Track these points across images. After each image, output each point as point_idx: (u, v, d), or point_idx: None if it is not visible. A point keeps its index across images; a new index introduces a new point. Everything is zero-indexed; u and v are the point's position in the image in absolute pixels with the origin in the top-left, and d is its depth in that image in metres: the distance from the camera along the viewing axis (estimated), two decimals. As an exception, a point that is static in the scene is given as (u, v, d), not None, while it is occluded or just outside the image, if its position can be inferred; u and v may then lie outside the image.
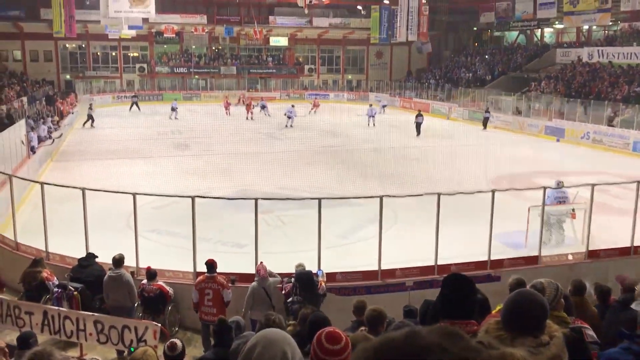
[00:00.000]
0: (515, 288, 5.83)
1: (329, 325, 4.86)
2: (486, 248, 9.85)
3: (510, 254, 10.74)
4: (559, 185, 11.94)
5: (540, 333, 2.40)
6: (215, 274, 8.36)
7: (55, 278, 9.07)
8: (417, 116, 30.58)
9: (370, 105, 35.85)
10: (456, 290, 2.93)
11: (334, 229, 12.05)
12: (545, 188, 10.58)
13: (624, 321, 4.79)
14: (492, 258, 9.92)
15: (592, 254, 10.43)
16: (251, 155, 21.78)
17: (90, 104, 34.21)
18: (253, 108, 37.11)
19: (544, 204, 10.47)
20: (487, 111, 33.74)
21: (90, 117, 32.22)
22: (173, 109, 35.91)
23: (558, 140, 28.40)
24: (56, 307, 7.89)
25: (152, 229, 12.42)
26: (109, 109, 40.64)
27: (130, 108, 39.46)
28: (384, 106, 40.66)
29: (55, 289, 8.65)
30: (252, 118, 36.03)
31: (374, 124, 33.15)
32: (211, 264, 8.39)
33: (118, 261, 8.63)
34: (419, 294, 9.34)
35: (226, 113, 37.93)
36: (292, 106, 33.23)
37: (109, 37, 42.47)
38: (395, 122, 35.54)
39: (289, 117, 31.89)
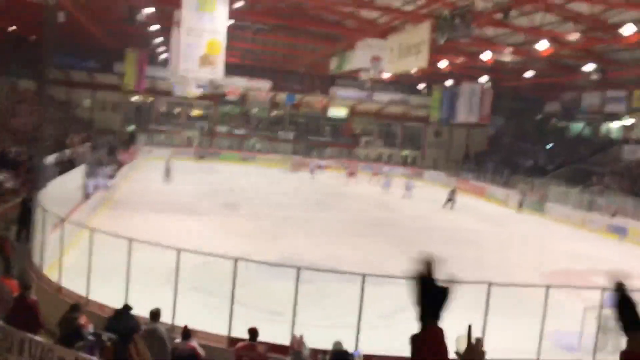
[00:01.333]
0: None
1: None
2: (535, 346, 9.22)
3: (561, 357, 10.03)
4: (620, 287, 11.21)
5: None
6: (257, 343, 8.20)
7: (91, 326, 8.98)
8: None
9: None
10: None
11: (375, 308, 11.61)
12: (604, 289, 9.93)
13: None
14: (542, 358, 9.26)
15: (653, 367, 9.60)
16: (299, 221, 21.71)
17: (169, 158, 34.19)
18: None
19: (601, 306, 9.80)
20: (524, 194, 34.30)
21: (168, 171, 31.93)
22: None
23: (621, 239, 27.14)
24: (88, 356, 7.76)
25: (192, 287, 12.30)
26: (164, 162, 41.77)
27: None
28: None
29: (90, 337, 8.55)
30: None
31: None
32: (254, 332, 8.27)
33: (155, 315, 8.55)
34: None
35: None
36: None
37: (175, 94, 44.26)
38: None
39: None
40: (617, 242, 26.82)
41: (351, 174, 40.49)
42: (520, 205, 33.42)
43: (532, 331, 9.47)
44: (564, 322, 11.26)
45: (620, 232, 27.70)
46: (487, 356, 8.96)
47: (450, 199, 31.75)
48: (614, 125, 45.31)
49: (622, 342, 8.05)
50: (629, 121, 41.14)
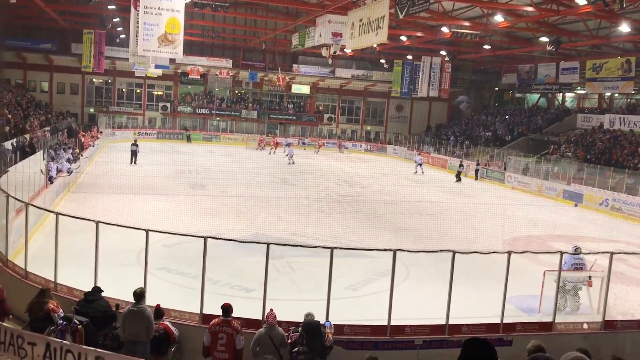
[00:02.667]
0: (534, 353, 5.66)
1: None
2: (499, 310, 9.61)
3: (524, 319, 10.48)
4: (577, 251, 11.72)
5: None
6: (231, 318, 8.21)
7: (61, 310, 8.97)
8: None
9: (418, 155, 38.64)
10: (477, 357, 2.80)
11: (344, 280, 11.89)
12: (562, 253, 10.38)
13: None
14: (505, 321, 9.66)
15: (609, 325, 10.13)
16: (266, 199, 21.81)
17: (135, 140, 33.90)
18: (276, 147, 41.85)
19: (560, 269, 10.25)
20: (477, 164, 36.64)
21: (134, 154, 31.73)
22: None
23: (576, 205, 28.13)
24: (59, 340, 7.76)
25: (162, 267, 12.36)
26: (129, 144, 41.20)
27: (187, 140, 43.87)
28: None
29: (60, 322, 8.55)
30: (273, 153, 40.14)
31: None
32: (227, 308, 8.24)
33: (140, 295, 8.50)
34: (428, 354, 9.11)
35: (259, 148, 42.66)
36: (288, 145, 37.81)
37: (135, 75, 43.51)
38: (411, 175, 35.56)
39: (289, 155, 36.33)
40: (573, 208, 27.80)
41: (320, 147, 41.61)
42: (476, 176, 34.84)
43: (495, 296, 9.85)
44: (525, 286, 11.74)
45: (576, 198, 28.69)
46: (455, 321, 9.32)
47: (460, 171, 34.98)
48: (569, 95, 46.54)
49: (579, 302, 8.53)
50: (582, 91, 42.24)
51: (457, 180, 34.41)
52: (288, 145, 40.87)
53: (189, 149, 39.65)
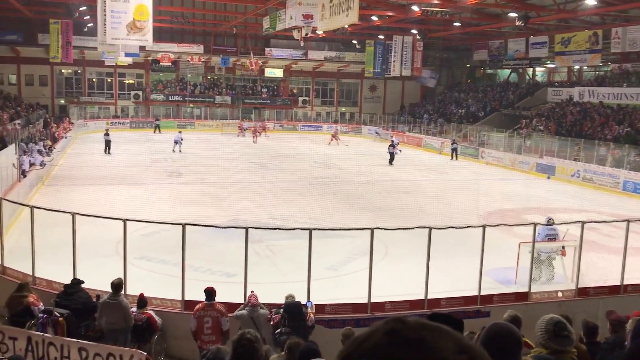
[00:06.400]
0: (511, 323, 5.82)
1: (320, 357, 4.82)
2: (476, 283, 9.84)
3: (500, 290, 10.73)
4: (550, 222, 11.98)
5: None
6: (214, 302, 8.28)
7: (41, 303, 8.94)
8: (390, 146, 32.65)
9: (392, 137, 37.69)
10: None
11: (324, 261, 12.02)
12: (535, 225, 10.62)
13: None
14: (482, 293, 9.90)
15: (582, 292, 10.43)
16: (243, 185, 21.80)
17: (107, 130, 33.52)
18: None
19: (534, 240, 10.48)
20: (453, 142, 36.13)
21: (107, 144, 31.66)
22: (176, 142, 33.03)
23: (549, 178, 28.64)
24: (41, 333, 7.76)
25: (141, 256, 12.34)
26: (102, 135, 40.68)
27: (155, 131, 43.15)
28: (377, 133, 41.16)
29: (41, 315, 8.52)
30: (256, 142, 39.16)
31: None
32: (210, 292, 8.30)
33: (117, 286, 8.48)
34: (408, 328, 9.29)
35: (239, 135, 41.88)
36: (180, 132, 35.36)
37: (105, 64, 42.81)
38: (387, 155, 35.75)
39: (176, 143, 33.28)
40: (546, 180, 28.31)
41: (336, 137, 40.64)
42: (454, 155, 34.94)
43: (472, 270, 10.07)
44: (501, 259, 12.00)
45: (549, 170, 29.21)
46: (434, 296, 9.48)
47: (454, 150, 34.95)
48: (539, 70, 47.08)
49: (553, 272, 8.74)
50: (552, 65, 42.78)
51: (452, 158, 34.69)
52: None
53: (162, 137, 39.20)
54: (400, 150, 34.93)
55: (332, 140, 39.88)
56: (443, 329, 0.99)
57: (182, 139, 33.40)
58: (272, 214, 17.12)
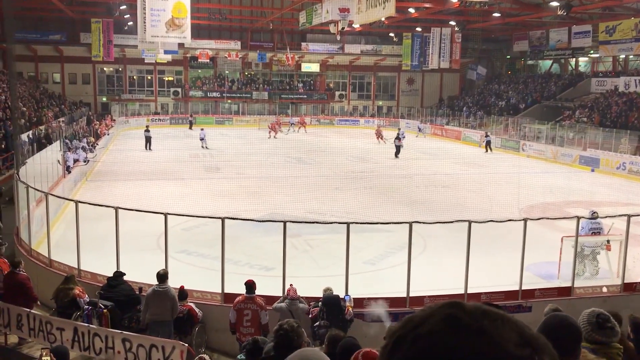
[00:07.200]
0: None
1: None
2: (516, 278, 9.67)
3: (542, 285, 10.52)
4: (594, 215, 11.67)
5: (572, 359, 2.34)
6: (255, 295, 8.34)
7: (87, 295, 9.19)
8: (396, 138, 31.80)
9: (399, 129, 36.12)
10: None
11: (362, 255, 12.00)
12: (579, 218, 10.36)
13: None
14: (524, 288, 9.72)
15: (628, 287, 10.14)
16: (280, 179, 21.91)
17: (147, 126, 33.85)
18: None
19: (577, 234, 10.23)
20: (487, 135, 35.31)
21: (148, 140, 32.22)
22: (202, 139, 33.28)
23: (593, 171, 27.89)
24: (86, 324, 7.99)
25: (182, 250, 12.54)
26: (142, 131, 41.45)
27: (190, 127, 42.86)
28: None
29: (86, 307, 8.76)
30: (275, 137, 38.48)
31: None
32: (251, 285, 8.35)
33: (163, 276, 8.66)
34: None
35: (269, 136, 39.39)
36: (202, 129, 34.45)
37: (145, 62, 43.56)
38: (426, 148, 35.44)
39: (202, 139, 33.11)
40: (590, 173, 27.58)
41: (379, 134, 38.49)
42: (488, 147, 34.23)
43: (513, 264, 9.89)
44: (543, 254, 11.76)
45: (593, 163, 28.45)
46: (473, 291, 9.38)
47: (488, 143, 34.16)
48: (582, 60, 45.83)
49: (598, 267, 8.50)
50: (596, 54, 41.58)
51: (486, 151, 34.03)
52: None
53: (195, 133, 39.42)
54: (425, 135, 33.77)
55: (377, 138, 38.07)
56: (506, 317, 0.93)
57: (205, 135, 33.27)
58: (308, 208, 17.16)
